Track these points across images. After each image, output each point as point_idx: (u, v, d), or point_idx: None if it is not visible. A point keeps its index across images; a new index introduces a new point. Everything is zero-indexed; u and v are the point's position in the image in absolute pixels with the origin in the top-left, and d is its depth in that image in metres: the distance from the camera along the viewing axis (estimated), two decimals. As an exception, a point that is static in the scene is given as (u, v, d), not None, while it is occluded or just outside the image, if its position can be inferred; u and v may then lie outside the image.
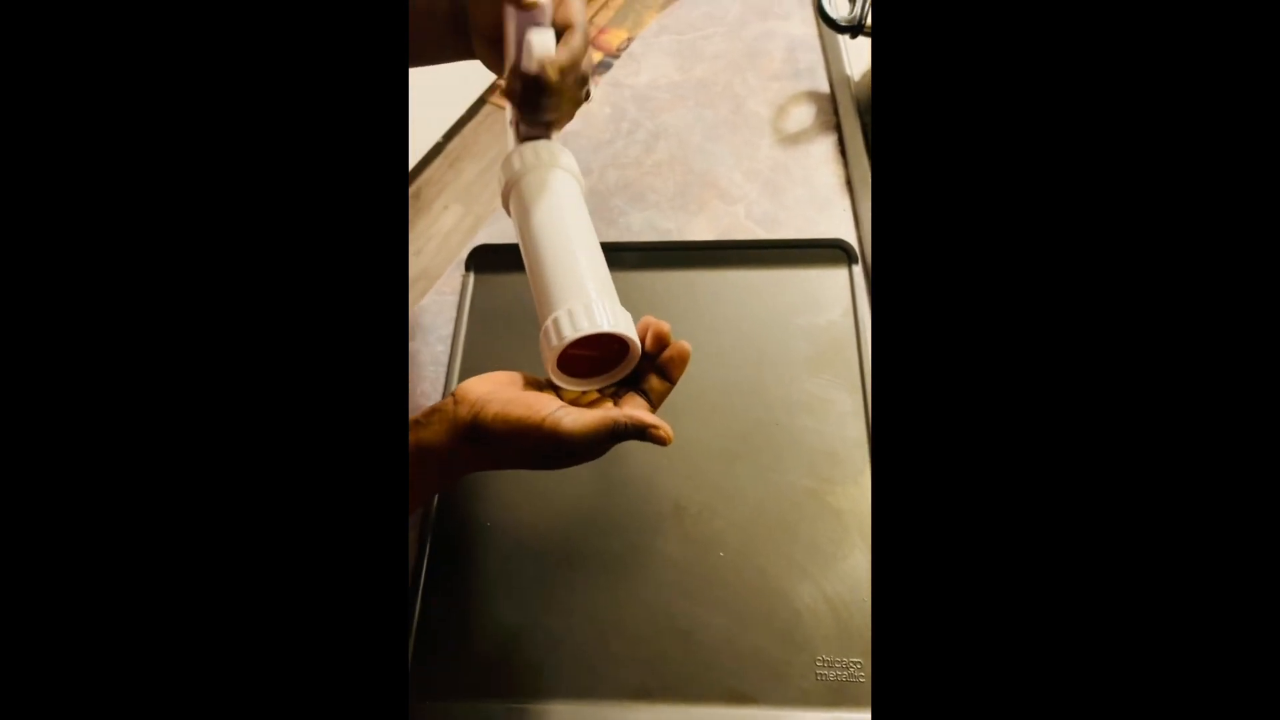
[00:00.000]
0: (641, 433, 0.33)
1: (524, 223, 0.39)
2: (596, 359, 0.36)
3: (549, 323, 0.35)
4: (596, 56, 1.68)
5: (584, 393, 0.37)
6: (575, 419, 0.32)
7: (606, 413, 0.33)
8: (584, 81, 0.39)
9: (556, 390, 0.37)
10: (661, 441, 0.33)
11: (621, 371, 0.37)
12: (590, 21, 1.93)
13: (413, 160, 1.54)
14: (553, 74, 0.36)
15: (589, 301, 0.35)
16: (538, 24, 0.36)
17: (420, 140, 1.53)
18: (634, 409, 0.33)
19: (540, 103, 0.38)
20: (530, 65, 0.37)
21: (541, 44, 0.36)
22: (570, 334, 0.34)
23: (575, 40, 0.37)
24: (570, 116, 0.41)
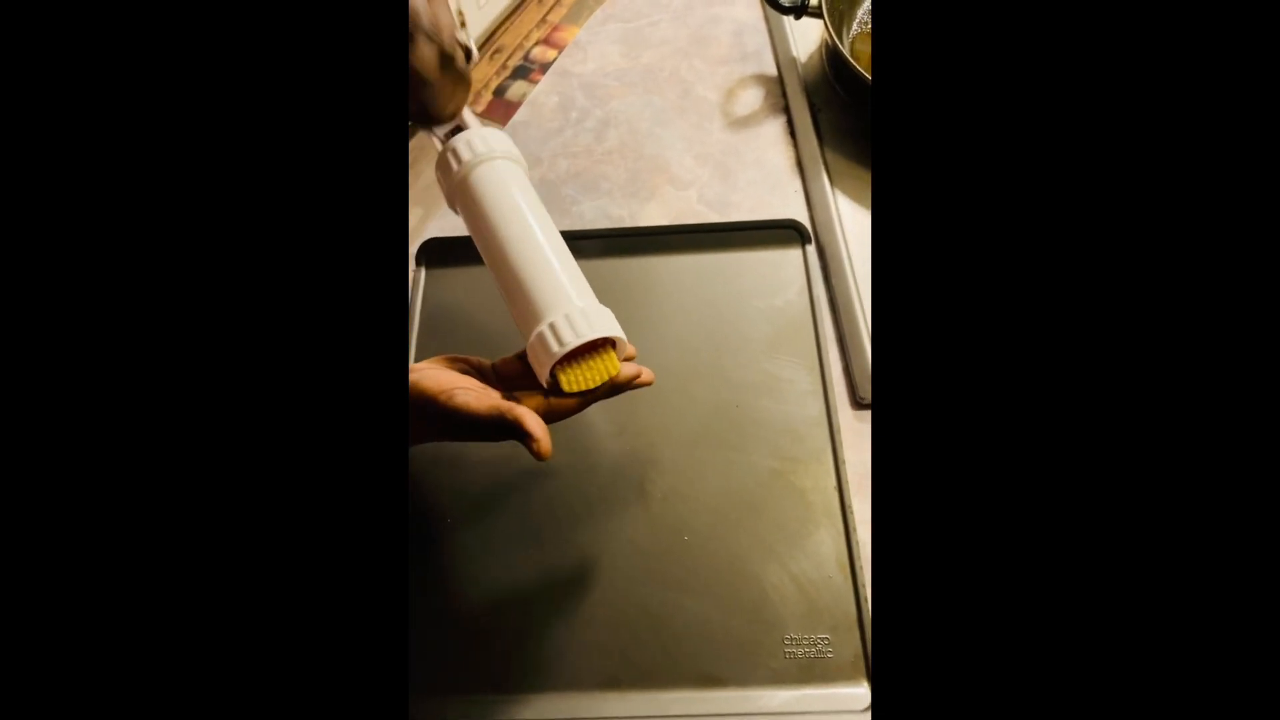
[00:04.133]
0: (521, 436, 0.33)
1: (483, 226, 0.37)
2: (577, 355, 0.35)
3: (541, 333, 0.34)
4: (550, 54, 1.67)
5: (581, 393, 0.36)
6: (467, 400, 0.33)
7: (498, 404, 0.33)
8: (451, 59, 0.37)
9: (495, 372, 0.38)
10: (536, 454, 0.33)
11: (613, 373, 0.36)
12: (544, 19, 1.91)
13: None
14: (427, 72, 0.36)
15: (579, 308, 0.35)
16: None
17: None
18: (526, 411, 0.33)
19: (426, 102, 0.37)
20: None
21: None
22: (558, 348, 0.34)
23: (420, 48, 0.36)
24: (460, 91, 0.39)
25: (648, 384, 0.38)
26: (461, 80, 0.39)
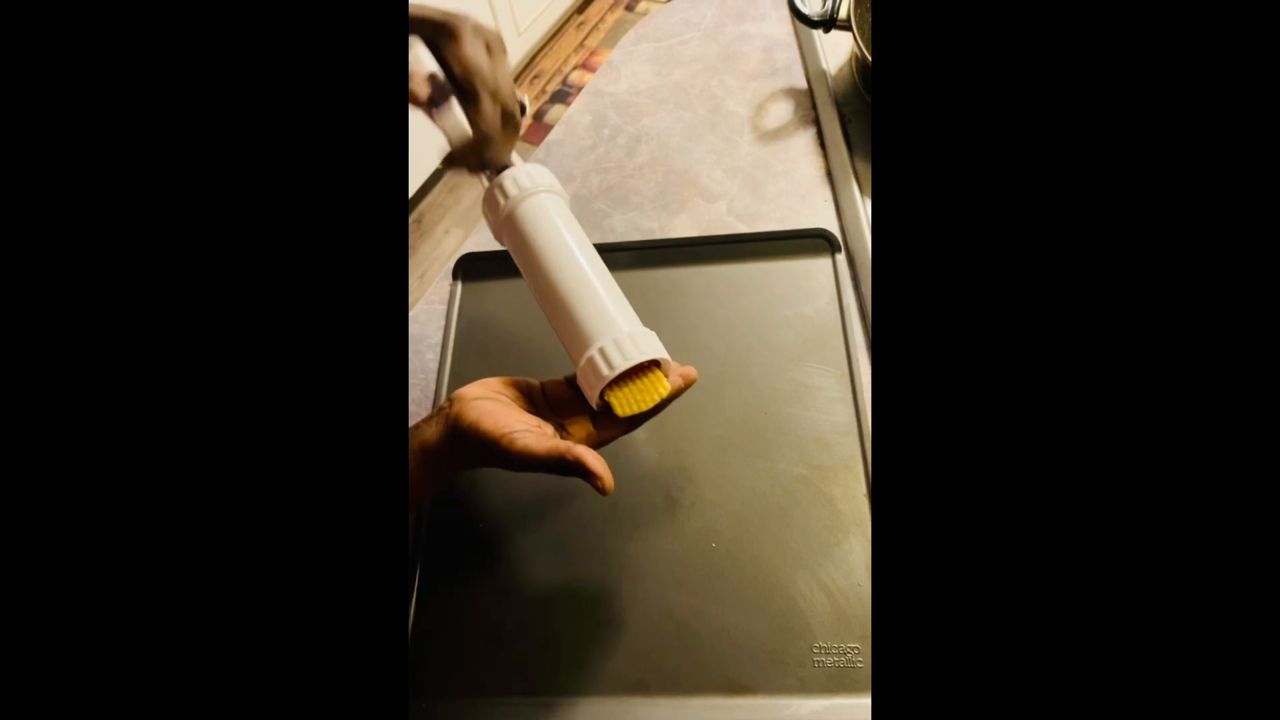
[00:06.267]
0: (584, 474, 0.34)
1: (530, 259, 0.39)
2: (625, 378, 0.37)
3: (591, 358, 0.36)
4: (588, 78, 1.71)
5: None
6: (528, 443, 0.34)
7: (557, 445, 0.34)
8: (511, 116, 0.40)
9: (544, 395, 0.39)
10: (600, 490, 0.34)
11: (663, 394, 0.36)
12: (582, 44, 1.96)
13: (413, 187, 1.56)
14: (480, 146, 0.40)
15: (625, 332, 0.36)
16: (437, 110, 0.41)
17: (420, 167, 1.56)
18: (585, 450, 0.34)
19: (488, 156, 0.40)
20: (454, 147, 0.41)
21: (454, 129, 0.41)
22: (608, 372, 0.35)
23: (485, 107, 0.39)
24: (514, 141, 0.42)
25: (692, 382, 0.38)
26: (516, 131, 0.41)
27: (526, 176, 0.40)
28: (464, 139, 0.40)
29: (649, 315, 0.38)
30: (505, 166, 0.42)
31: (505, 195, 0.40)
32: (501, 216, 0.40)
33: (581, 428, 0.37)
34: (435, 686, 0.41)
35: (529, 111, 0.44)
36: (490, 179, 0.42)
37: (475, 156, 0.40)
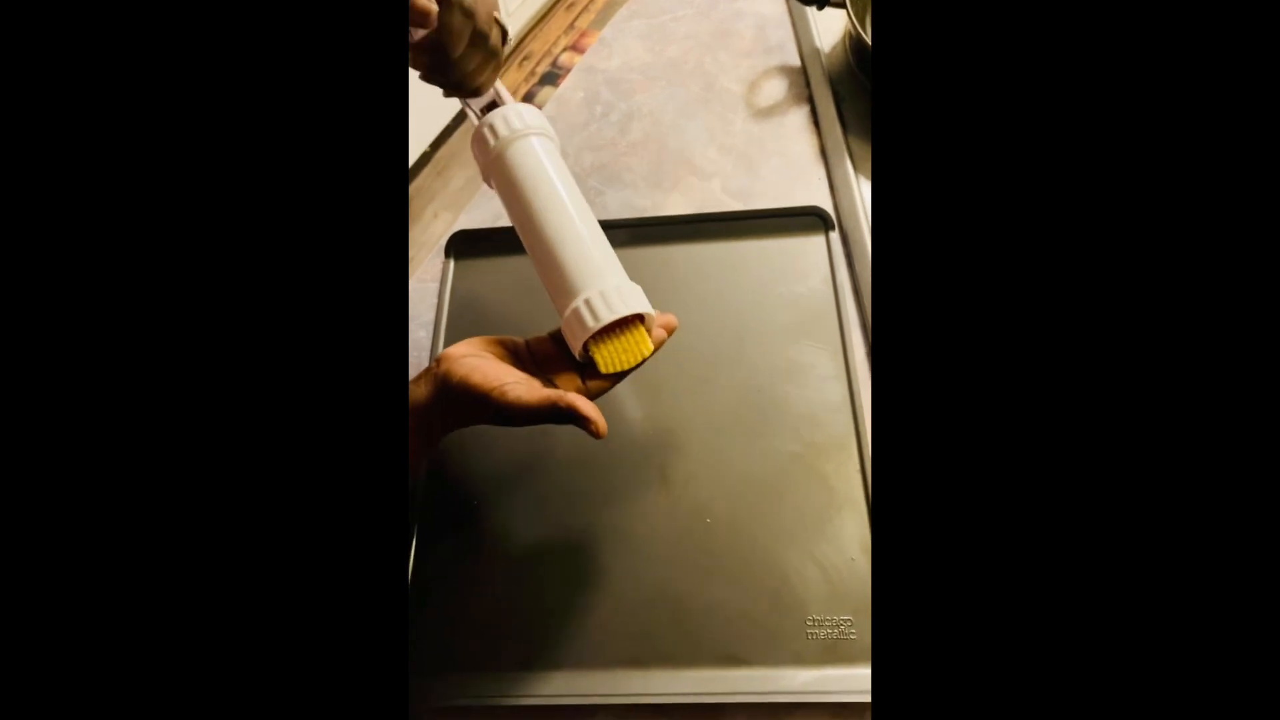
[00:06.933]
0: (578, 420, 0.34)
1: (519, 203, 0.39)
2: (609, 331, 0.37)
3: (576, 309, 0.35)
4: (578, 60, 1.69)
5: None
6: (520, 393, 0.34)
7: (549, 393, 0.34)
8: (470, 17, 0.37)
9: (530, 351, 0.39)
10: (594, 434, 0.34)
11: (646, 354, 0.36)
12: (572, 25, 1.94)
13: (401, 170, 1.55)
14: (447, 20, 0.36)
15: (612, 285, 0.36)
16: None
17: (410, 150, 1.54)
18: (577, 397, 0.34)
19: (447, 60, 0.37)
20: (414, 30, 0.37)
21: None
22: (593, 323, 0.35)
23: (450, 17, 0.36)
24: (490, 67, 0.40)
25: (673, 330, 0.38)
26: (492, 56, 0.40)
27: (517, 116, 0.39)
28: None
29: (645, 292, 0.38)
30: (487, 95, 0.41)
31: (495, 135, 0.39)
32: (491, 157, 0.40)
33: (569, 382, 0.37)
34: (432, 662, 0.41)
35: (509, 40, 0.43)
36: (478, 114, 0.41)
37: (443, 74, 0.38)
